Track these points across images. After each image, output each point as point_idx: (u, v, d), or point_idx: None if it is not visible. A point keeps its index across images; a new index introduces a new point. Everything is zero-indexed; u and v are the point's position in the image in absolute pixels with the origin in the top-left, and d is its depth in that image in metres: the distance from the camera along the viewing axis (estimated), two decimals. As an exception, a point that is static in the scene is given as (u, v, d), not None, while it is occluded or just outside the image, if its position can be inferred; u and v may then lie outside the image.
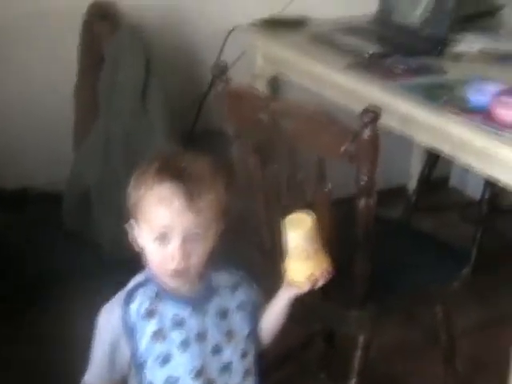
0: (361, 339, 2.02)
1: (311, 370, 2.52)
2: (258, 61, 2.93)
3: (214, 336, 1.58)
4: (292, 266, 1.60)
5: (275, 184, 1.94)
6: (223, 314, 1.61)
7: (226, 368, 1.60)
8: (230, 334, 1.60)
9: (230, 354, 1.60)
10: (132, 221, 1.55)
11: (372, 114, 1.64)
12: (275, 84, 2.96)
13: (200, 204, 1.47)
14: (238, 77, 2.00)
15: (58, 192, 2.88)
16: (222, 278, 1.64)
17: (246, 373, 1.64)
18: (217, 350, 1.58)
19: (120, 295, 1.56)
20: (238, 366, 1.61)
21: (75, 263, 2.71)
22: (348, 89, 2.44)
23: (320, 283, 1.60)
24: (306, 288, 1.61)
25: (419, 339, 2.70)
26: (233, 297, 1.64)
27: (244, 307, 1.64)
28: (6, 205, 2.86)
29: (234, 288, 1.65)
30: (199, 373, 1.55)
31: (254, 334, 1.65)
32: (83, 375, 1.59)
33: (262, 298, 1.69)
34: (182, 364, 1.54)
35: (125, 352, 1.54)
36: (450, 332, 2.27)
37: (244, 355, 1.63)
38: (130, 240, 1.57)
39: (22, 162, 2.94)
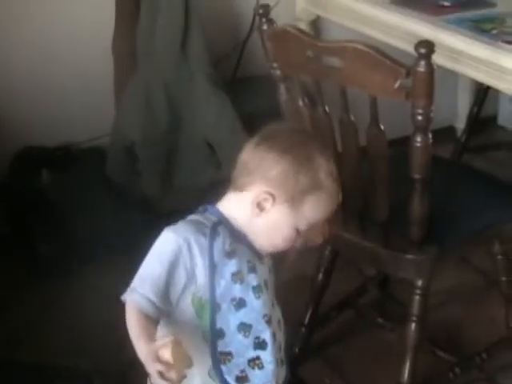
0: (419, 284, 1.98)
1: (368, 315, 2.50)
2: (299, 3, 2.88)
3: (271, 288, 1.56)
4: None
5: (326, 127, 1.88)
6: (270, 268, 1.59)
7: (279, 324, 1.57)
8: (273, 289, 1.58)
9: (278, 308, 1.59)
10: (272, 193, 1.48)
11: (428, 47, 1.59)
12: (317, 26, 2.90)
13: None
14: (279, 21, 1.94)
15: (101, 147, 2.88)
16: None
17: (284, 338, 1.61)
18: (274, 304, 1.56)
19: (190, 223, 1.47)
20: (282, 327, 1.59)
21: (124, 219, 2.69)
22: (393, 26, 2.39)
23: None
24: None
25: (475, 282, 2.66)
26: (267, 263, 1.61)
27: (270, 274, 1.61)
28: (50, 163, 2.85)
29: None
30: (269, 321, 1.51)
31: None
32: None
33: None
34: (256, 310, 1.49)
35: (180, 280, 1.43)
36: (510, 273, 2.22)
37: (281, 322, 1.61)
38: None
39: (63, 119, 2.92)
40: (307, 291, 2.28)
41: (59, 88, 2.91)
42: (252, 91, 2.85)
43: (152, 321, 1.40)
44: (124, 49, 2.78)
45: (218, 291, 1.45)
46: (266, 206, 1.48)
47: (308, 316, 2.28)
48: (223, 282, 1.45)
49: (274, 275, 1.60)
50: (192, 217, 1.51)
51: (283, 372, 1.59)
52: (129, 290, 1.43)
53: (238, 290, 1.47)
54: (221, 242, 1.45)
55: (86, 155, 2.91)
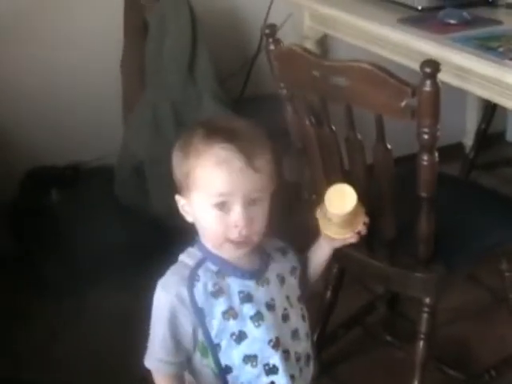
0: (427, 301, 1.98)
1: (376, 333, 2.50)
2: (306, 21, 2.89)
3: (281, 303, 1.54)
4: (333, 229, 1.59)
5: (333, 145, 1.89)
6: (282, 279, 1.57)
7: (295, 334, 1.56)
8: (289, 299, 1.57)
9: (295, 319, 1.56)
10: (182, 193, 1.50)
11: (433, 66, 1.59)
12: (324, 44, 2.91)
13: (258, 163, 1.43)
14: (287, 40, 1.95)
15: (110, 166, 2.88)
16: (272, 243, 1.61)
17: (307, 336, 1.60)
18: (286, 317, 1.54)
19: (177, 271, 1.50)
20: (302, 331, 1.58)
21: (132, 238, 2.70)
22: (400, 44, 2.38)
23: (363, 232, 1.61)
24: (351, 241, 1.62)
25: (483, 300, 2.66)
26: (285, 260, 1.61)
27: (294, 272, 1.61)
28: (59, 182, 2.86)
29: (284, 252, 1.62)
30: (276, 344, 1.50)
31: (303, 296, 1.62)
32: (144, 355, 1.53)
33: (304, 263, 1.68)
34: (259, 339, 1.49)
35: (185, 328, 1.47)
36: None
37: (304, 318, 1.60)
38: (181, 214, 1.52)
39: (72, 138, 2.94)
40: (315, 309, 2.28)
41: (68, 107, 2.93)
42: (260, 110, 2.85)
43: (177, 377, 1.52)
44: (132, 68, 2.80)
45: (213, 332, 1.47)
46: (184, 209, 1.51)
47: (316, 334, 2.27)
48: (216, 322, 1.47)
49: (296, 280, 1.60)
50: (181, 258, 1.53)
51: (310, 371, 1.61)
52: (146, 356, 1.52)
53: (233, 326, 1.47)
54: (202, 286, 1.46)
55: (94, 174, 2.93)
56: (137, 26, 2.76)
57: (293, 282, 1.60)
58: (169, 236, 2.40)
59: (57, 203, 2.78)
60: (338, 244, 1.65)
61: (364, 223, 1.60)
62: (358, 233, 1.60)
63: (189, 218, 1.51)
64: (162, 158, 2.63)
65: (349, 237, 1.60)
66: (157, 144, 2.68)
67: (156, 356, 1.49)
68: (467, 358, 2.39)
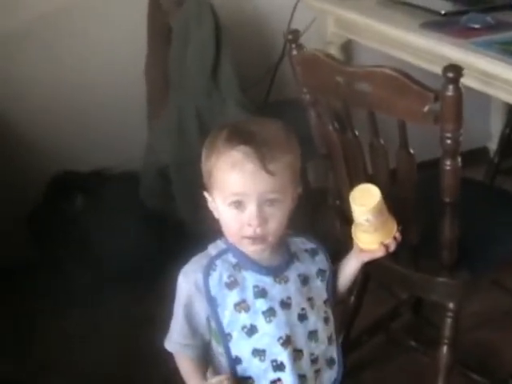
0: (451, 307, 1.98)
1: (400, 339, 2.49)
2: (330, 27, 2.90)
3: (298, 302, 1.55)
4: (361, 237, 1.62)
5: (356, 151, 1.89)
6: (304, 280, 1.58)
7: (312, 335, 1.56)
8: (311, 301, 1.58)
9: (314, 320, 1.57)
10: (207, 192, 1.54)
11: (455, 71, 1.58)
12: (348, 50, 2.91)
13: (274, 167, 1.45)
14: (310, 45, 1.96)
15: (135, 172, 2.89)
16: (301, 242, 1.63)
17: (330, 340, 1.61)
18: (303, 317, 1.55)
19: (199, 260, 1.55)
20: (322, 333, 1.59)
21: (157, 243, 2.71)
22: (423, 49, 2.39)
23: (392, 248, 1.62)
24: (379, 254, 1.63)
25: (507, 304, 2.64)
26: (312, 262, 1.62)
27: (322, 274, 1.62)
28: (85, 187, 2.87)
29: (314, 253, 1.63)
30: (286, 342, 1.51)
31: (330, 300, 1.63)
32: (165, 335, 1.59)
33: (335, 270, 1.69)
34: (269, 334, 1.51)
35: (200, 315, 1.53)
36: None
37: (326, 321, 1.60)
38: (206, 214, 1.56)
39: (96, 144, 2.95)
40: (339, 315, 2.28)
41: (93, 113, 2.95)
42: (284, 115, 2.84)
43: (197, 359, 1.56)
44: (156, 75, 2.81)
45: (225, 322, 1.50)
46: (211, 205, 1.54)
47: (340, 340, 2.27)
48: (228, 313, 1.50)
49: (323, 283, 1.61)
50: (209, 247, 1.58)
51: (332, 375, 1.63)
52: (166, 339, 1.58)
53: (245, 318, 1.50)
54: (217, 276, 1.50)
55: (119, 180, 2.93)
56: (160, 32, 2.77)
57: (319, 284, 1.61)
58: (194, 240, 2.40)
59: (81, 209, 2.79)
60: (366, 258, 1.66)
61: (395, 238, 1.61)
62: (387, 247, 1.61)
63: (215, 214, 1.54)
64: (186, 162, 2.67)
65: (376, 249, 1.61)
66: (182, 148, 2.70)
67: (174, 339, 1.56)
68: (491, 363, 2.38)
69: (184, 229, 2.71)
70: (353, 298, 2.28)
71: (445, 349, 2.01)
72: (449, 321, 1.99)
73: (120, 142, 2.95)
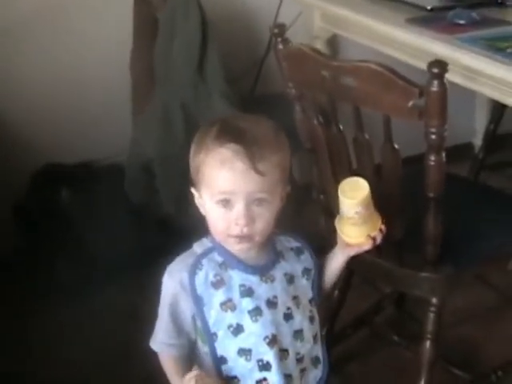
0: (434, 302, 1.98)
1: (383, 333, 2.49)
2: (316, 21, 2.90)
3: (284, 302, 1.55)
4: (348, 230, 1.62)
5: (341, 145, 1.89)
6: (290, 279, 1.58)
7: (298, 335, 1.56)
8: (296, 299, 1.57)
9: (300, 319, 1.57)
10: (194, 187, 1.53)
11: (440, 66, 1.58)
12: (334, 44, 2.91)
13: (263, 167, 1.43)
14: (296, 39, 1.95)
15: (120, 165, 2.89)
16: (286, 241, 1.62)
17: (315, 339, 1.61)
18: (288, 316, 1.55)
19: (184, 259, 1.54)
20: (308, 333, 1.58)
21: (142, 238, 2.71)
22: (409, 44, 2.39)
23: (379, 240, 1.63)
24: (366, 247, 1.63)
25: (490, 300, 2.66)
26: (298, 261, 1.61)
27: (307, 273, 1.61)
28: (70, 180, 2.87)
29: (299, 252, 1.62)
30: (272, 341, 1.51)
31: (316, 299, 1.63)
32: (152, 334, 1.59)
33: (320, 268, 1.68)
34: (255, 333, 1.50)
35: (186, 314, 1.52)
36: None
37: (311, 320, 1.60)
38: (196, 207, 1.55)
39: (83, 136, 2.95)
40: (322, 310, 2.29)
41: (79, 105, 2.94)
42: (270, 109, 2.84)
43: (181, 359, 1.56)
44: (142, 68, 2.80)
45: (211, 321, 1.50)
46: (198, 201, 1.54)
47: (323, 334, 2.27)
48: (214, 312, 1.49)
49: (308, 282, 1.61)
50: (193, 246, 1.57)
51: (317, 374, 1.62)
52: (151, 338, 1.58)
53: (231, 318, 1.49)
54: (203, 275, 1.49)
55: (105, 172, 2.92)
56: (146, 26, 2.76)
57: (304, 283, 1.60)
58: (178, 235, 2.41)
59: (67, 201, 2.79)
60: (352, 252, 1.66)
61: (380, 230, 1.62)
62: (374, 239, 1.62)
63: (202, 211, 1.53)
64: (171, 155, 2.67)
65: (364, 242, 1.62)
66: (166, 142, 2.69)
67: (159, 339, 1.56)
68: (474, 359, 2.39)
69: (168, 222, 2.70)
70: (337, 292, 2.28)
71: (428, 344, 2.01)
72: (432, 316, 1.99)
73: (107, 135, 2.94)
